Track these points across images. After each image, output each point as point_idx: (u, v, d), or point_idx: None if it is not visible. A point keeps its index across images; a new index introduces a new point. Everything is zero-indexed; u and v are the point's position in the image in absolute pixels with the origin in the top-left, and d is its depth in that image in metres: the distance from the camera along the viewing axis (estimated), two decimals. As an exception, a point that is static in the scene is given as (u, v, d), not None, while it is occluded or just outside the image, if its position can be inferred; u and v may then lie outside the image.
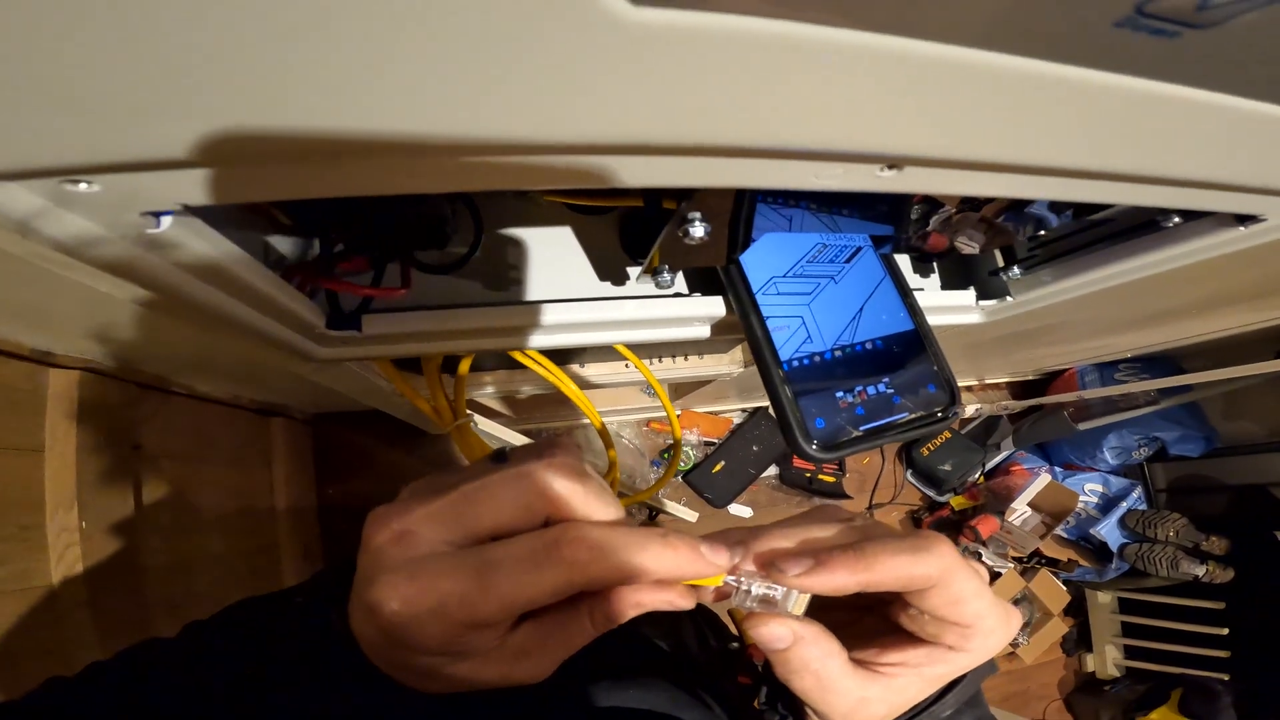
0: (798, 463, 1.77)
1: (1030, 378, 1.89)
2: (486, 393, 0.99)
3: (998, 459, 1.92)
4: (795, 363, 0.40)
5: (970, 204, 0.45)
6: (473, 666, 0.23)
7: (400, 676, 0.24)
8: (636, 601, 0.24)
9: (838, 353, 0.41)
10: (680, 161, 0.19)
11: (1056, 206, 0.43)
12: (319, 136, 0.16)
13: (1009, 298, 0.50)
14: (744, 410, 1.76)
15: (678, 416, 1.79)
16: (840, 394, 0.41)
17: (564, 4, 0.13)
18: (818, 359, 0.41)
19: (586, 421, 1.61)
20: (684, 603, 0.25)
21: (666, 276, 0.41)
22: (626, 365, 1.14)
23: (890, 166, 0.22)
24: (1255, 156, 0.25)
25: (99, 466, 0.88)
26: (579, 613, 0.25)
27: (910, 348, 0.43)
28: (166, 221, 0.22)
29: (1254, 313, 1.13)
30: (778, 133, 0.18)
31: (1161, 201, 0.29)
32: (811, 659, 0.26)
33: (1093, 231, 0.42)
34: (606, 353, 1.07)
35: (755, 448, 1.70)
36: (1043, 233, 0.41)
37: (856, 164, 0.21)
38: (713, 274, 0.45)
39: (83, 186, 0.18)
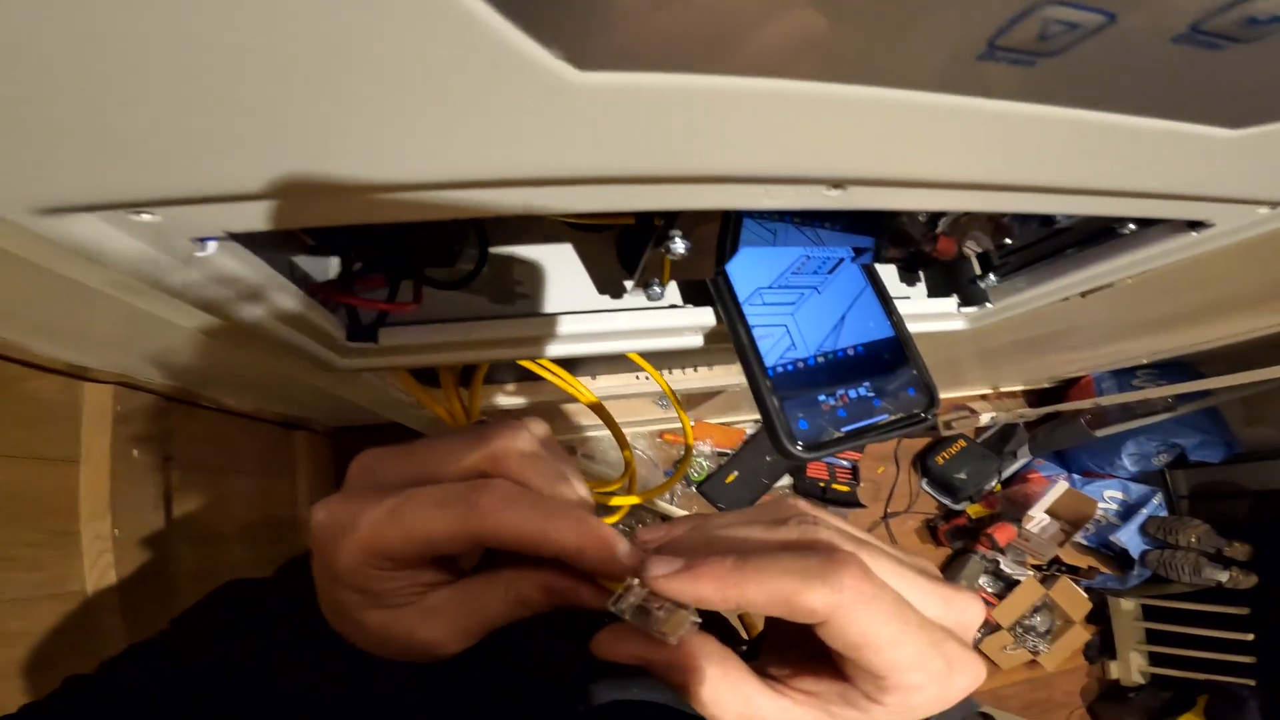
0: (811, 472, 1.78)
1: (1046, 385, 1.88)
2: (512, 403, 1.02)
3: (1014, 467, 1.90)
4: (780, 369, 0.43)
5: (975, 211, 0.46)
6: (385, 616, 0.23)
7: (335, 622, 0.25)
8: (544, 583, 0.23)
9: (820, 359, 0.44)
10: (645, 189, 0.22)
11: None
12: (363, 182, 0.19)
13: (988, 304, 0.52)
14: (757, 421, 1.77)
15: (691, 427, 1.81)
16: (823, 397, 0.43)
17: (525, 75, 0.15)
18: (801, 365, 0.43)
19: (601, 434, 1.63)
20: (589, 600, 0.23)
21: (657, 289, 0.44)
22: (638, 376, 1.17)
23: (835, 186, 0.24)
24: (1162, 166, 0.27)
25: (131, 477, 0.92)
26: (495, 583, 0.24)
27: (890, 353, 0.45)
28: (211, 246, 0.25)
29: (1265, 317, 1.13)
30: (723, 163, 0.21)
31: (1098, 210, 0.31)
32: (690, 682, 0.21)
33: (1058, 239, 0.44)
34: (618, 364, 1.09)
35: (768, 458, 1.71)
36: (1008, 241, 0.43)
37: (803, 185, 0.24)
38: (704, 287, 0.47)
39: (145, 217, 0.21)
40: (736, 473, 1.70)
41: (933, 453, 1.84)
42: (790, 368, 0.43)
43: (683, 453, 1.71)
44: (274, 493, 1.35)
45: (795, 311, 0.44)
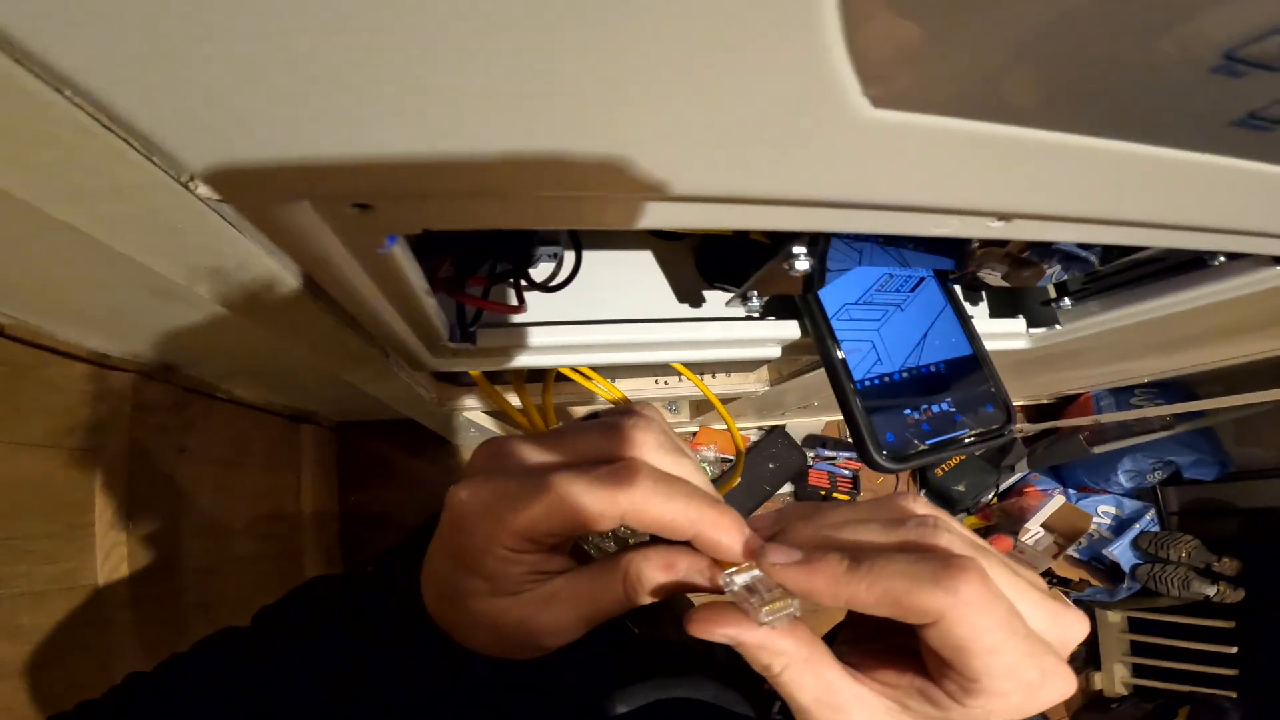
0: (813, 480, 1.79)
1: (1045, 401, 1.91)
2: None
3: (1011, 480, 1.93)
4: (867, 383, 0.43)
5: (996, 240, 0.47)
6: (503, 604, 0.24)
7: (443, 614, 0.25)
8: (667, 562, 0.23)
9: (904, 374, 0.44)
10: (853, 213, 0.22)
11: (1084, 244, 0.46)
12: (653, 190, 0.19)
13: (1057, 325, 0.53)
14: (760, 428, 1.78)
15: (694, 435, 1.82)
16: (908, 411, 0.43)
17: (821, 101, 0.16)
18: (887, 379, 0.44)
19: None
20: (703, 580, 0.23)
21: (755, 302, 0.44)
22: (656, 381, 1.17)
23: (1001, 219, 0.25)
24: None
25: (148, 468, 0.90)
26: (615, 568, 0.24)
27: (969, 370, 0.46)
28: (394, 242, 0.25)
29: (1270, 340, 1.16)
30: (943, 197, 0.21)
31: (1217, 246, 0.32)
32: (773, 664, 0.22)
33: (1143, 268, 0.45)
34: (641, 368, 1.09)
35: (771, 465, 1.72)
36: (1099, 269, 0.44)
37: (974, 217, 0.24)
38: (786, 300, 0.48)
39: (356, 211, 0.21)
40: (739, 479, 1.71)
41: (939, 464, 1.86)
42: (877, 382, 0.43)
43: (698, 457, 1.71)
44: (279, 487, 1.33)
45: (880, 328, 0.45)
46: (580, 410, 1.49)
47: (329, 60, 0.14)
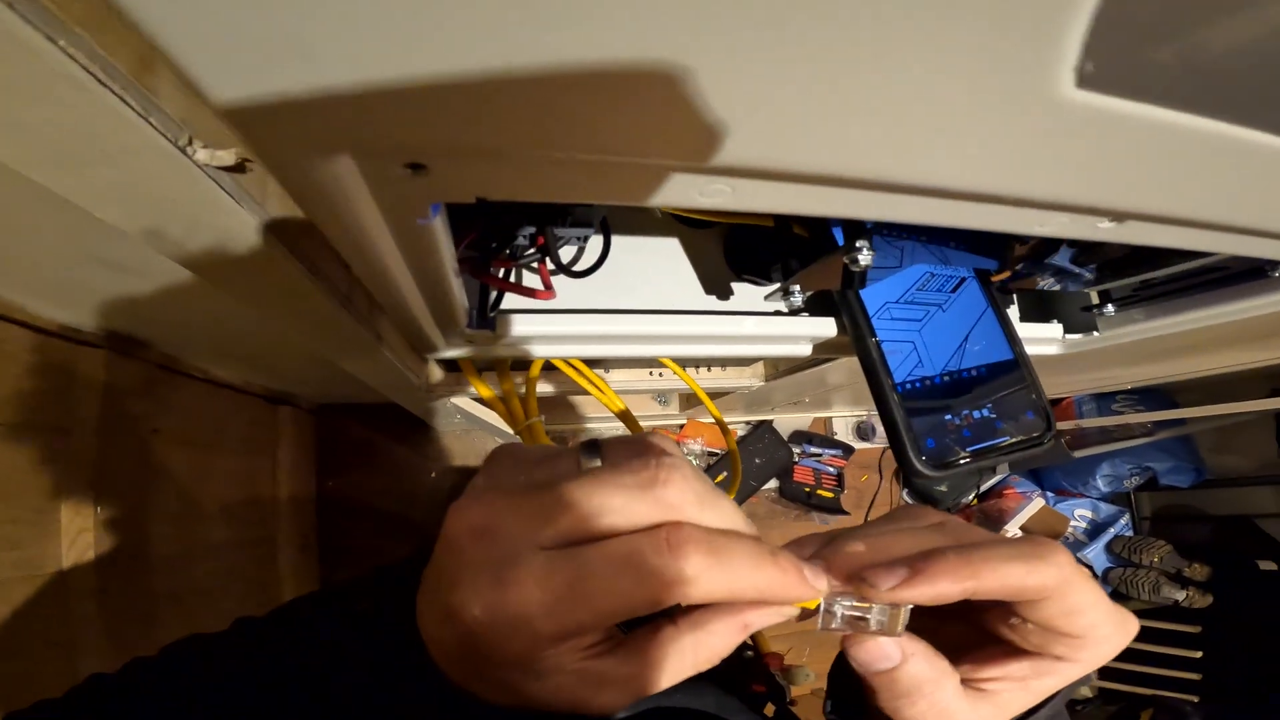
0: (798, 477, 1.79)
1: (1026, 403, 1.93)
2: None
3: (992, 482, 1.96)
4: (908, 385, 0.41)
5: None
6: (549, 687, 0.21)
7: (468, 684, 0.22)
8: (746, 623, 0.22)
9: (946, 378, 0.42)
10: (978, 207, 0.20)
11: (1079, 259, 0.45)
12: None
13: (1095, 333, 0.51)
14: (748, 423, 1.77)
15: (681, 427, 1.80)
16: (949, 416, 0.41)
17: (1022, 79, 0.13)
18: (928, 382, 0.42)
19: (592, 425, 1.61)
20: (772, 621, 0.22)
21: (798, 297, 0.42)
22: (650, 373, 1.14)
23: (1114, 219, 0.23)
24: None
25: (118, 450, 0.85)
26: (678, 643, 0.22)
27: (1010, 376, 0.44)
28: (436, 213, 0.21)
29: (1256, 352, 1.17)
30: (1085, 193, 0.19)
31: None
32: (925, 682, 0.23)
33: (1200, 276, 0.44)
34: (635, 360, 1.07)
35: (758, 460, 1.71)
36: (1155, 274, 0.42)
37: (1088, 216, 0.22)
38: (821, 297, 0.46)
39: (407, 173, 0.17)
40: (726, 473, 1.70)
41: (971, 473, 1.87)
42: (918, 385, 0.41)
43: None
44: (255, 471, 1.28)
45: (922, 328, 0.43)
46: (574, 400, 1.46)
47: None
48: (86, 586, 0.83)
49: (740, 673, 0.52)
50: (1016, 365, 0.44)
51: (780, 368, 1.10)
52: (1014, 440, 0.42)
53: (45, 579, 0.78)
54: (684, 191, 0.19)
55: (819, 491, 1.80)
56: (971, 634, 0.26)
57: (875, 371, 0.40)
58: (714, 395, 1.37)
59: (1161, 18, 0.12)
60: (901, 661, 0.23)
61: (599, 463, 0.22)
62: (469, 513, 0.21)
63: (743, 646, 0.52)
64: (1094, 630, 0.23)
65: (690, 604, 0.20)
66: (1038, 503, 1.80)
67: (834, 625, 0.22)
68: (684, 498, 0.20)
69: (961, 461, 0.41)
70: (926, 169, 0.18)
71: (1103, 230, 0.24)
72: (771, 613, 0.22)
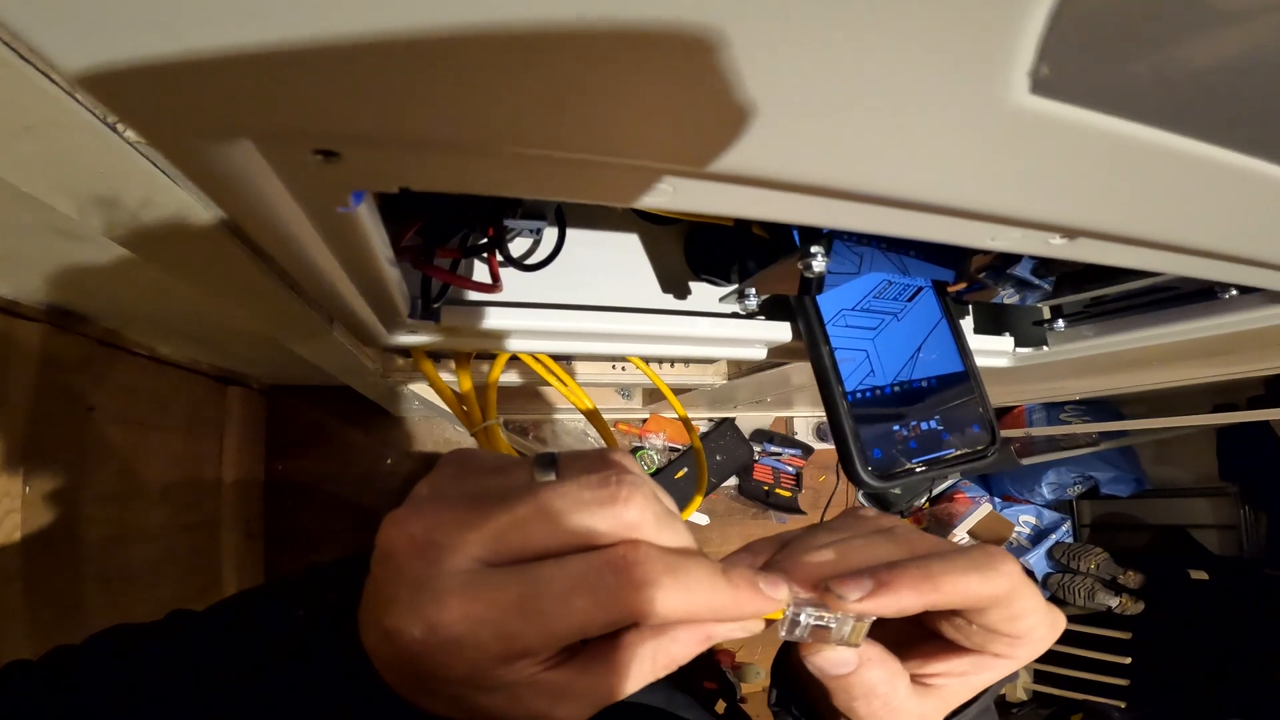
0: (757, 475, 1.80)
1: (980, 410, 1.98)
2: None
3: (943, 486, 2.00)
4: (858, 394, 0.41)
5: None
6: (503, 701, 0.20)
7: (417, 700, 0.21)
8: (709, 635, 0.22)
9: (896, 388, 0.43)
10: (929, 219, 0.20)
11: (1039, 271, 0.46)
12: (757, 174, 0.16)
13: (1045, 347, 0.52)
14: (710, 420, 1.78)
15: (644, 421, 1.80)
16: (896, 427, 0.42)
17: (972, 81, 0.13)
18: (879, 392, 0.42)
19: (557, 416, 1.59)
20: (754, 628, 0.23)
21: (753, 301, 0.41)
22: (614, 366, 1.14)
23: (1065, 236, 0.23)
24: None
25: (51, 427, 0.81)
26: (639, 655, 0.21)
27: (960, 388, 0.44)
28: (359, 201, 0.20)
29: (1207, 368, 1.22)
30: (1034, 206, 0.19)
31: (1257, 281, 0.31)
32: (880, 684, 0.24)
33: (1151, 295, 0.45)
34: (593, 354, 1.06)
35: (719, 457, 1.72)
36: (1107, 291, 0.43)
37: (1039, 231, 0.22)
38: (778, 301, 0.45)
39: (318, 159, 0.16)
40: (686, 469, 1.70)
41: (914, 483, 1.90)
42: (868, 394, 0.42)
43: (635, 444, 1.70)
44: (199, 452, 1.24)
45: (876, 337, 0.43)
46: (543, 391, 1.45)
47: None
48: (11, 569, 0.79)
49: (691, 669, 0.52)
50: (966, 378, 0.45)
51: (743, 367, 1.11)
52: (959, 453, 0.43)
53: (-35, 560, 0.75)
54: (619, 190, 0.19)
55: (777, 490, 1.82)
56: (914, 630, 0.27)
57: (827, 379, 0.41)
58: (677, 391, 1.38)
59: (1122, 24, 0.12)
60: (859, 666, 0.24)
61: (554, 477, 0.21)
62: (408, 524, 0.20)
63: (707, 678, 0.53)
64: (1032, 631, 0.24)
65: (648, 624, 0.20)
66: (985, 508, 1.85)
67: (797, 633, 0.23)
68: (644, 517, 0.20)
69: (906, 472, 0.41)
70: (868, 175, 0.17)
71: (1055, 247, 0.24)
72: (736, 627, 0.22)
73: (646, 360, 0.73)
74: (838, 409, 0.40)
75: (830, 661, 0.24)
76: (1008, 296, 0.49)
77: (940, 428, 0.43)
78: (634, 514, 0.20)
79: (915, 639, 0.27)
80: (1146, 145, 0.16)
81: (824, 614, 0.22)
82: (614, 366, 1.12)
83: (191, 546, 1.21)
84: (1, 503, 0.77)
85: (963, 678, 0.26)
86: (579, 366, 1.12)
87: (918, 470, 0.42)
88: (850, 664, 0.24)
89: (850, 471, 0.40)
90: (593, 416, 0.75)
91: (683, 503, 1.72)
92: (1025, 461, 1.77)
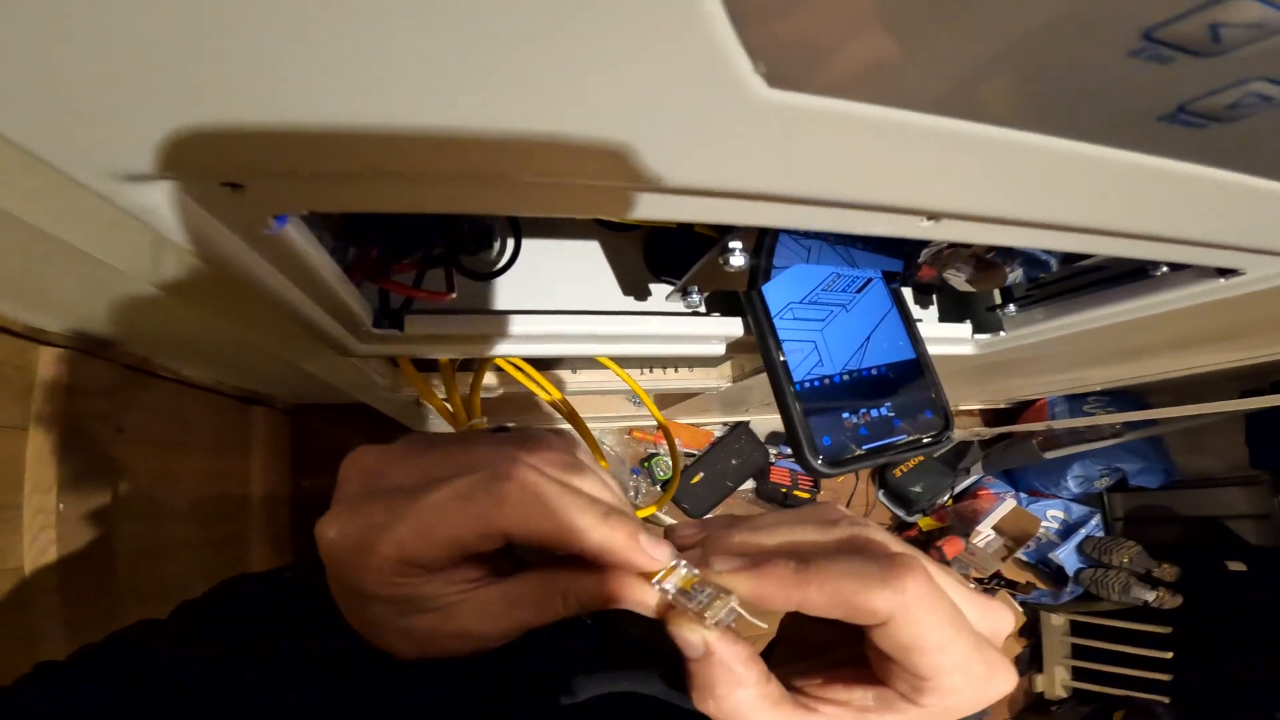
0: (774, 477, 1.80)
1: (1002, 406, 1.95)
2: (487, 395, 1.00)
3: (966, 483, 1.97)
4: (807, 384, 0.43)
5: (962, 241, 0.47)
6: (434, 619, 0.22)
7: (370, 635, 0.23)
8: (613, 593, 0.22)
9: (845, 376, 0.44)
10: (768, 206, 0.21)
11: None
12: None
13: (1002, 333, 0.53)
14: (725, 424, 1.78)
15: (659, 428, 1.82)
16: (846, 415, 0.43)
17: (717, 79, 0.15)
18: (827, 381, 0.43)
19: (566, 427, 1.61)
20: (641, 598, 0.22)
21: (696, 297, 0.43)
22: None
23: (930, 219, 0.24)
24: (1244, 221, 0.28)
25: (82, 448, 0.87)
26: (553, 589, 0.22)
27: (911, 375, 0.46)
28: (284, 224, 0.23)
29: (1222, 353, 1.19)
30: (857, 191, 0.21)
31: (1156, 255, 0.32)
32: (718, 683, 0.22)
33: (1086, 276, 0.45)
34: (582, 360, 1.08)
35: (734, 461, 1.73)
36: (1042, 276, 0.44)
37: (906, 216, 0.24)
38: (731, 296, 0.47)
39: (226, 191, 0.19)
40: (702, 474, 1.71)
41: (891, 465, 1.89)
42: (817, 384, 0.43)
43: (650, 450, 1.71)
44: (227, 470, 1.29)
45: (824, 328, 0.44)
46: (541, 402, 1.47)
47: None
48: (49, 583, 0.84)
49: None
50: (918, 365, 0.46)
51: (746, 369, 1.12)
52: (911, 438, 0.44)
53: (7, 575, 0.80)
54: (493, 201, 0.21)
55: (795, 492, 1.81)
56: (856, 650, 0.24)
57: (775, 370, 0.42)
58: (683, 396, 1.39)
59: (804, 20, 0.13)
60: (704, 655, 0.22)
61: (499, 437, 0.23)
62: (364, 457, 0.23)
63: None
64: (940, 676, 0.20)
65: (521, 542, 0.21)
66: (1009, 503, 1.82)
67: (665, 586, 0.22)
68: (546, 459, 0.22)
69: (857, 459, 0.42)
70: (690, 174, 0.19)
71: (925, 229, 0.25)
72: (647, 590, 0.22)
73: (623, 363, 0.75)
74: (786, 399, 0.42)
75: (681, 639, 0.22)
76: (1018, 278, 0.49)
77: (891, 414, 0.44)
78: (537, 458, 0.21)
79: (846, 657, 0.24)
80: (902, 125, 0.17)
81: (696, 587, 0.21)
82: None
83: (221, 561, 1.26)
84: (36, 519, 0.82)
85: (859, 713, 0.22)
86: (582, 374, 1.14)
87: (869, 456, 0.43)
88: (697, 648, 0.22)
89: (800, 459, 0.42)
90: (573, 419, 0.78)
91: (695, 505, 1.72)
92: (1049, 455, 1.73)
